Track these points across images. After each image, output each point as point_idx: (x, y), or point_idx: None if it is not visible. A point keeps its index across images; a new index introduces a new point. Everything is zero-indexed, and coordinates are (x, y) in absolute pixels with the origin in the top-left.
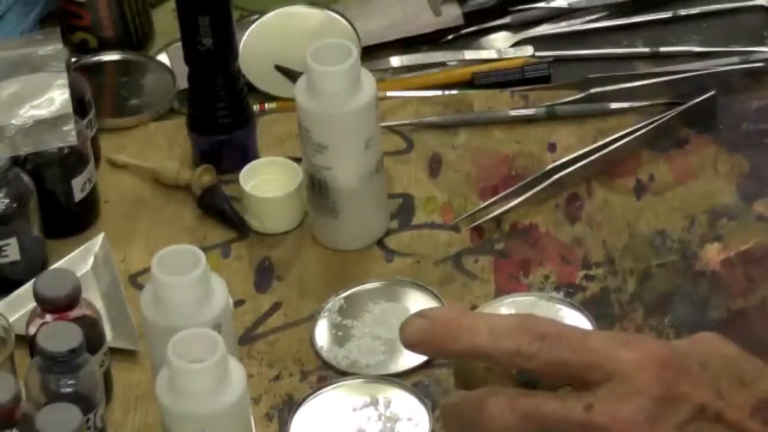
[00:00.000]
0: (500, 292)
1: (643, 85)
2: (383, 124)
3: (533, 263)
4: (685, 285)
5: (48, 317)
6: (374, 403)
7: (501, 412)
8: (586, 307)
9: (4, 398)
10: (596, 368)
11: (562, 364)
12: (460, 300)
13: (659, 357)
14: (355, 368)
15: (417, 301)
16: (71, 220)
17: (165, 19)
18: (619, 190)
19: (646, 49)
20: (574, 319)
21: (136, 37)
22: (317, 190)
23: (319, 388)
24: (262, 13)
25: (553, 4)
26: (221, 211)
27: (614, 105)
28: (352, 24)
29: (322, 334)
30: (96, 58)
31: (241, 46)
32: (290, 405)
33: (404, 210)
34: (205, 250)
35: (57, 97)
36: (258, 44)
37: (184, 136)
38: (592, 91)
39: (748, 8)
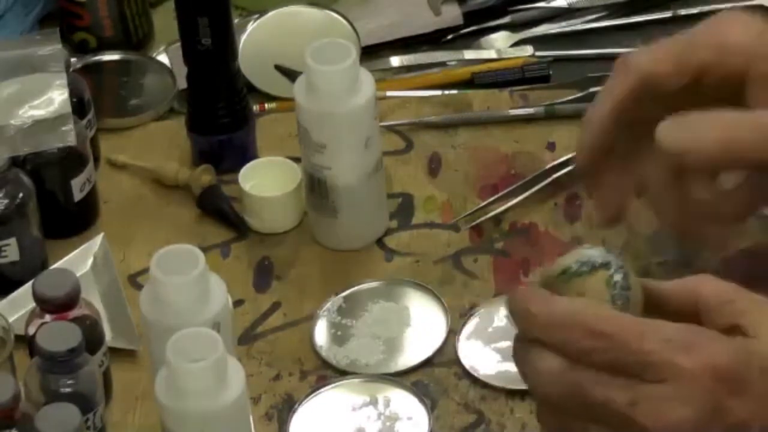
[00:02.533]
0: (500, 291)
1: None
2: (383, 123)
3: (533, 262)
4: None
5: (47, 317)
6: (374, 402)
7: (549, 380)
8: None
9: (3, 398)
10: (650, 370)
11: (616, 364)
12: (459, 299)
13: (717, 368)
14: (354, 368)
15: (416, 301)
16: (70, 220)
17: (165, 19)
18: None
19: None
20: None
21: (136, 37)
22: (316, 189)
23: (319, 388)
24: (262, 13)
25: (553, 4)
26: (221, 211)
27: None
28: (352, 24)
29: (321, 333)
30: (96, 58)
31: (241, 46)
32: (290, 404)
33: (404, 209)
34: (204, 250)
35: (56, 98)
36: (258, 44)
37: (184, 136)
38: (592, 90)
39: (748, 8)
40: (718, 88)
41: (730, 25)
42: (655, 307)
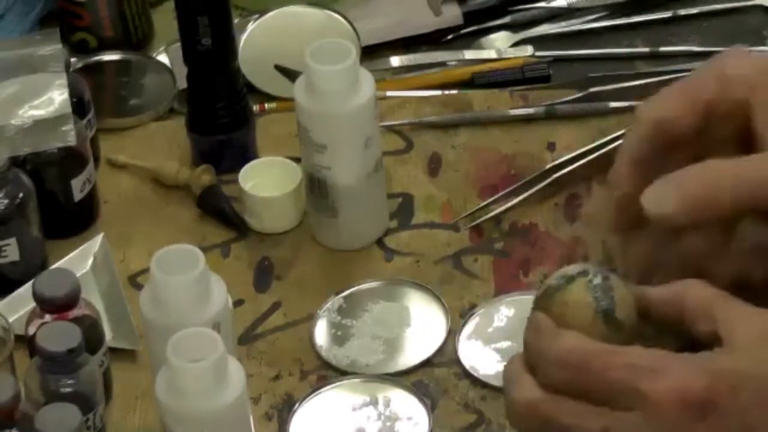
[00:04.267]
0: (500, 291)
1: (643, 85)
2: (383, 123)
3: (533, 262)
4: None
5: (47, 317)
6: (374, 402)
7: (525, 413)
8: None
9: (3, 398)
10: (619, 398)
11: (585, 393)
12: (459, 300)
13: (684, 391)
14: (354, 368)
15: (416, 301)
16: (70, 220)
17: (165, 19)
18: None
19: (646, 49)
20: None
21: (136, 37)
22: (316, 189)
23: (319, 388)
24: (262, 13)
25: (553, 4)
26: (221, 211)
27: (614, 104)
28: (352, 24)
29: (321, 333)
30: (96, 58)
31: (241, 46)
32: (290, 404)
33: (404, 209)
34: (204, 250)
35: (56, 98)
36: (258, 44)
37: (184, 136)
38: (592, 90)
39: (748, 8)
40: (727, 124)
41: (730, 59)
42: (640, 314)
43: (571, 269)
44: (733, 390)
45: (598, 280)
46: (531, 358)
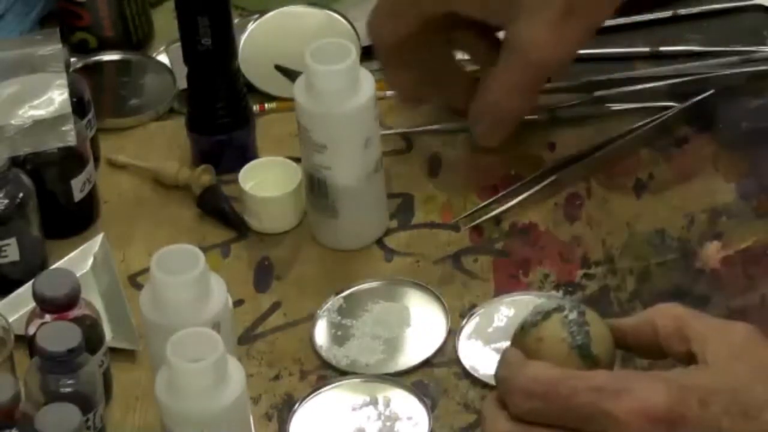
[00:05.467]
0: (500, 291)
1: (643, 85)
2: (383, 132)
3: (533, 262)
4: (684, 283)
5: (47, 317)
6: (374, 402)
7: None
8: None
9: (3, 398)
10: (588, 422)
11: (555, 420)
12: (459, 299)
13: (651, 409)
14: (354, 368)
15: (416, 301)
16: (71, 220)
17: (165, 19)
18: (618, 188)
19: (646, 49)
20: None
21: (136, 37)
22: (316, 189)
23: (319, 388)
24: (262, 13)
25: None
26: (221, 211)
27: (615, 106)
28: (352, 24)
29: (321, 333)
30: (96, 58)
31: (241, 46)
32: (290, 404)
33: (404, 209)
34: (204, 249)
35: (56, 98)
36: (258, 44)
37: (184, 136)
38: (596, 94)
39: (748, 8)
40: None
41: None
42: (621, 347)
43: (548, 304)
44: (702, 403)
45: (573, 316)
46: (502, 392)
